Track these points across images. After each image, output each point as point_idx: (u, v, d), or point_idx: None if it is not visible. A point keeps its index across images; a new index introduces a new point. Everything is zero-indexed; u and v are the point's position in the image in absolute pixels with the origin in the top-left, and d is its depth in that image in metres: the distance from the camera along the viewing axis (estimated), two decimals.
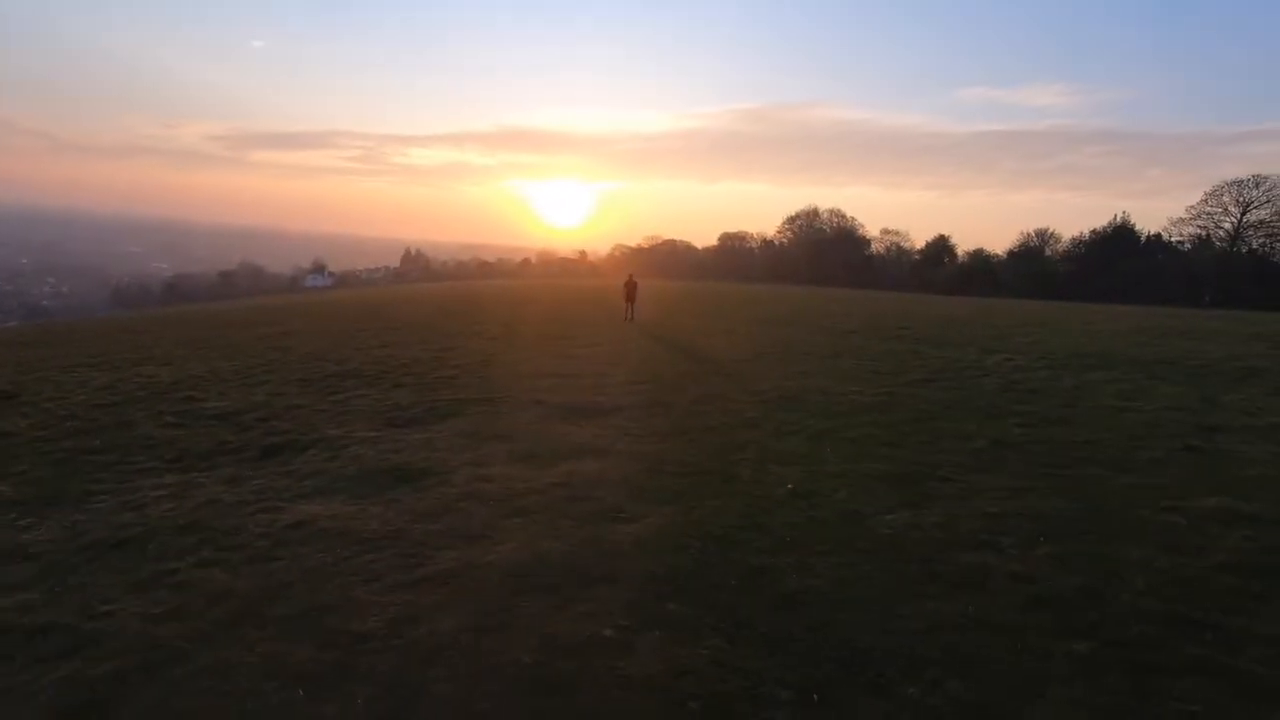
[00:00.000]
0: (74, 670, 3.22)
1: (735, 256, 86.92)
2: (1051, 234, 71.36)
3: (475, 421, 8.14)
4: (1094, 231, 67.64)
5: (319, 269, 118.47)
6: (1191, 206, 64.01)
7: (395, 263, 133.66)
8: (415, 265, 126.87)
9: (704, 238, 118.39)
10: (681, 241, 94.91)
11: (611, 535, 4.64)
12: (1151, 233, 66.09)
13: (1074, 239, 69.33)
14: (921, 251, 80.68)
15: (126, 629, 3.55)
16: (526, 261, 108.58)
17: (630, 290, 23.36)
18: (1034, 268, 67.65)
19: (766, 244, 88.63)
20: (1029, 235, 71.99)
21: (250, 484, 5.82)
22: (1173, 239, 65.03)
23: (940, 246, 79.71)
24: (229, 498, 5.46)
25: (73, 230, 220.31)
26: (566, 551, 4.40)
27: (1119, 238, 65.46)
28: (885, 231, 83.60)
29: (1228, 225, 62.29)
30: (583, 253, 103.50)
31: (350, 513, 5.09)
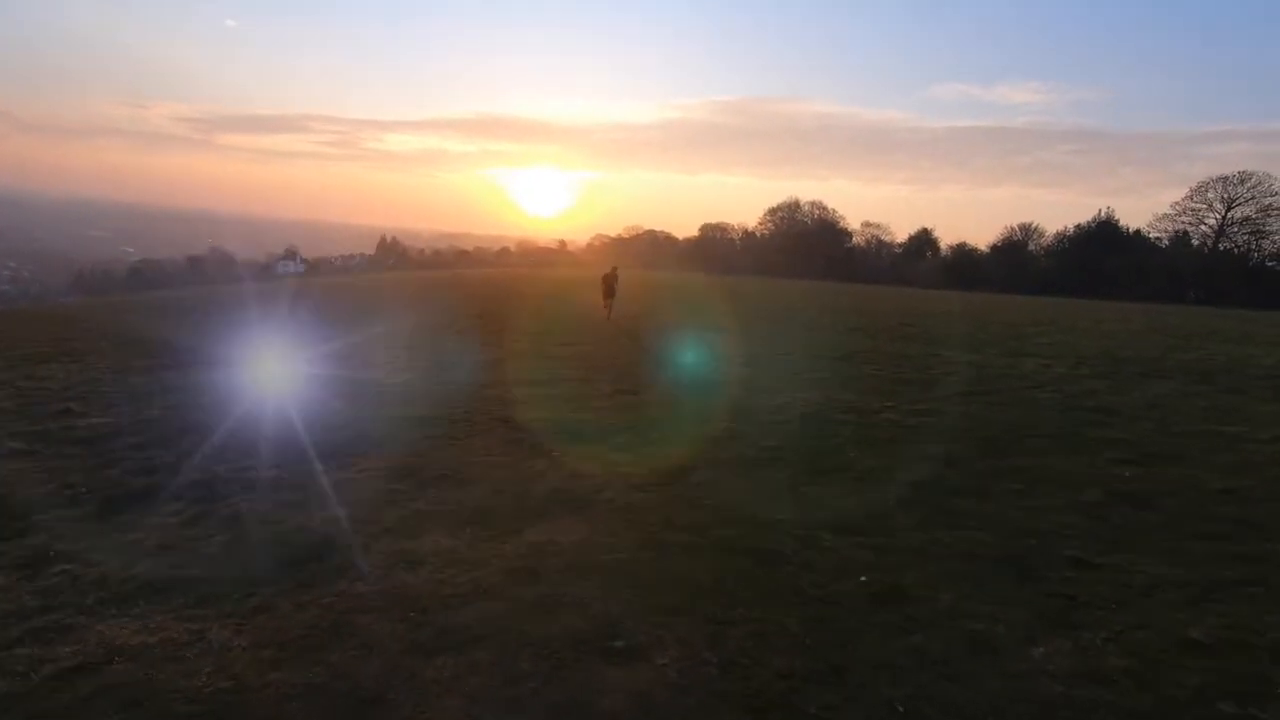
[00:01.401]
0: None
1: (716, 247, 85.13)
2: (1035, 228, 70.71)
3: (416, 452, 6.21)
4: (1078, 227, 67.07)
5: (291, 256, 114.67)
6: (1176, 202, 63.72)
7: (371, 250, 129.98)
8: (391, 253, 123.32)
9: (685, 229, 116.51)
10: (662, 232, 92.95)
11: (600, 702, 2.78)
12: (1132, 229, 65.60)
13: (1058, 234, 68.75)
14: (903, 245, 79.71)
15: None
16: (505, 251, 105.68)
17: (610, 284, 19.32)
18: (1019, 262, 66.93)
19: (748, 235, 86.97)
20: (1012, 230, 71.26)
21: (50, 572, 3.85)
22: (1153, 236, 64.63)
23: (923, 240, 78.85)
24: (2, 603, 3.51)
25: (34, 214, 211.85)
26: None
27: (1103, 234, 64.85)
28: (866, 224, 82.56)
29: (1211, 221, 62.01)
30: (562, 242, 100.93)
31: (178, 641, 3.16)
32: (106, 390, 9.06)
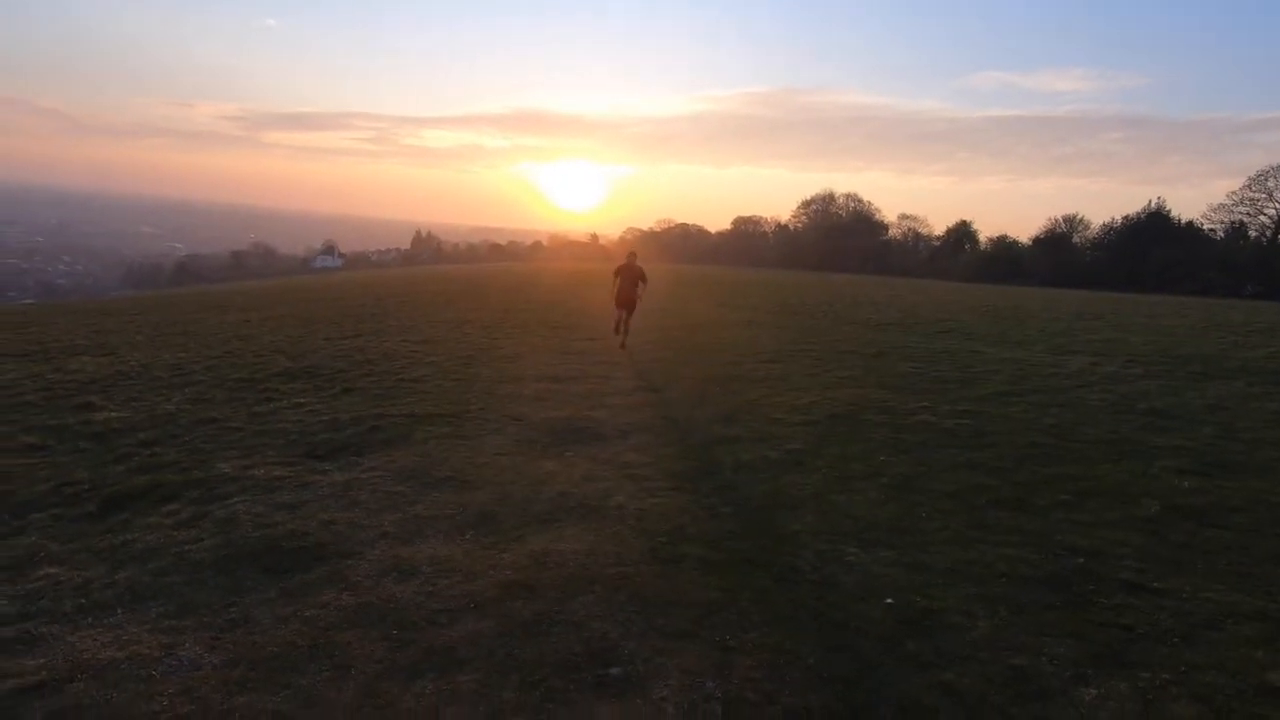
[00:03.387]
0: None
1: (749, 241, 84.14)
2: (1080, 220, 68.23)
3: (424, 452, 6.01)
4: (1126, 218, 64.47)
5: (329, 250, 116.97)
6: (1233, 192, 60.79)
7: (406, 244, 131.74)
8: (426, 247, 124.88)
9: (717, 222, 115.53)
10: (694, 225, 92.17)
11: None
12: (1184, 220, 62.75)
13: (1104, 225, 66.23)
14: (941, 238, 77.70)
15: None
16: (537, 244, 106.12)
17: (628, 285, 12.17)
18: (1063, 255, 64.68)
19: (780, 229, 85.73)
20: (1055, 221, 68.84)
21: (35, 575, 3.71)
22: (1207, 227, 61.77)
23: (961, 232, 76.70)
24: None
25: (88, 210, 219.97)
26: None
27: (1153, 225, 62.20)
28: (903, 217, 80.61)
29: (1271, 212, 59.03)
30: (594, 236, 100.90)
31: (147, 657, 2.97)
32: (131, 383, 9.10)
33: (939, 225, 79.20)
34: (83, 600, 3.48)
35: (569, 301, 22.34)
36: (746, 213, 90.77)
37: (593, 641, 3.13)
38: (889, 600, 3.49)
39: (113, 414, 7.37)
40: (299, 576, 3.71)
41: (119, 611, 3.37)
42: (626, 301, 12.31)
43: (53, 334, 14.05)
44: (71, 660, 2.95)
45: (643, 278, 12.37)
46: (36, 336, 13.64)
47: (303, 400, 8.01)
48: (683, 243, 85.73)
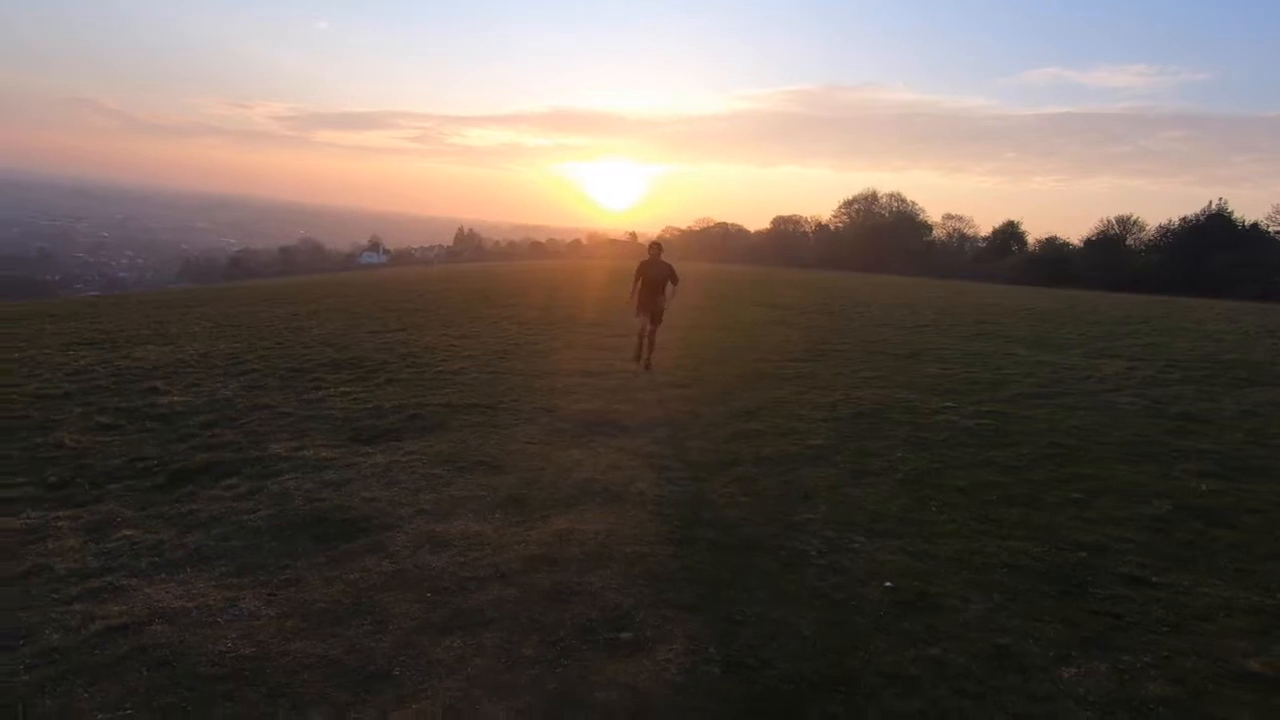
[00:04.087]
0: None
1: (788, 241, 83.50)
2: (1134, 221, 65.98)
3: (460, 439, 6.38)
4: (1184, 219, 62.09)
5: (374, 246, 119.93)
6: None
7: (449, 241, 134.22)
8: (468, 244, 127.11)
9: (756, 221, 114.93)
10: (733, 225, 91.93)
11: (596, 694, 2.77)
12: (1248, 222, 60.07)
13: (1161, 227, 63.90)
14: (987, 239, 75.96)
15: None
16: (576, 242, 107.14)
17: (651, 284, 9.85)
18: (1115, 258, 62.61)
19: (821, 228, 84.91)
20: (1108, 223, 66.69)
21: (115, 536, 4.16)
22: (1274, 230, 59.01)
23: (1008, 233, 74.81)
24: (66, 564, 3.81)
25: (150, 206, 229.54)
26: None
27: (1214, 227, 59.74)
28: (948, 217, 79.06)
29: None
30: (633, 234, 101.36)
31: (213, 607, 3.35)
32: (191, 371, 9.71)
33: (985, 225, 77.53)
34: (156, 559, 3.90)
35: (605, 299, 22.70)
36: (786, 212, 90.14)
37: (607, 609, 3.41)
38: (888, 584, 3.69)
39: (175, 398, 7.93)
40: (344, 545, 4.08)
41: (187, 569, 3.78)
42: (650, 308, 9.78)
43: (119, 324, 14.93)
44: (149, 608, 3.35)
45: (671, 277, 9.89)
46: (104, 326, 14.52)
47: (348, 389, 8.48)
48: (721, 242, 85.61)
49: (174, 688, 2.76)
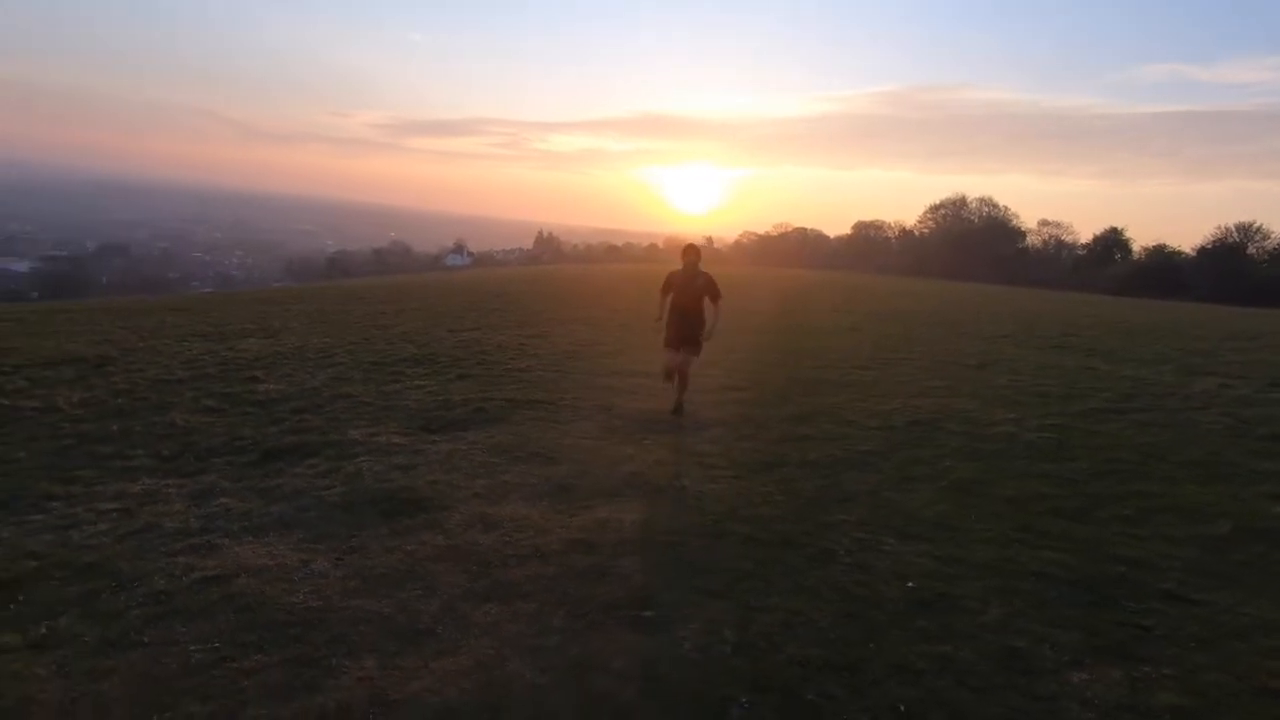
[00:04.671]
0: None
1: (869, 246, 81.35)
2: (1258, 229, 60.63)
3: (520, 431, 6.77)
4: None
5: (459, 249, 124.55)
6: None
7: (529, 244, 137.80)
8: (547, 247, 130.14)
9: (836, 226, 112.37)
10: (813, 230, 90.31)
11: (616, 663, 3.02)
12: None
13: None
14: (1087, 246, 71.55)
15: None
16: (653, 247, 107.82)
17: (685, 305, 7.56)
18: (1234, 267, 57.74)
19: (905, 234, 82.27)
20: (1227, 230, 61.56)
21: (214, 503, 4.74)
22: None
23: (1111, 240, 70.20)
24: (173, 523, 4.39)
25: (257, 209, 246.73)
26: (534, 693, 2.82)
27: None
28: (1044, 223, 74.99)
29: None
30: (709, 239, 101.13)
31: (289, 567, 3.82)
32: (287, 362, 10.60)
33: (1085, 232, 73.07)
34: (246, 524, 4.43)
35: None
36: (868, 217, 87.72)
37: (634, 590, 3.66)
38: (910, 584, 3.78)
39: (272, 386, 8.73)
40: (405, 521, 4.50)
41: (271, 534, 4.29)
42: (684, 336, 7.50)
43: (227, 318, 16.33)
44: (237, 564, 3.85)
45: (711, 292, 7.44)
46: (214, 320, 15.92)
47: (423, 383, 9.08)
48: (800, 247, 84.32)
49: (253, 629, 3.21)
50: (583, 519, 4.63)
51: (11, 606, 3.38)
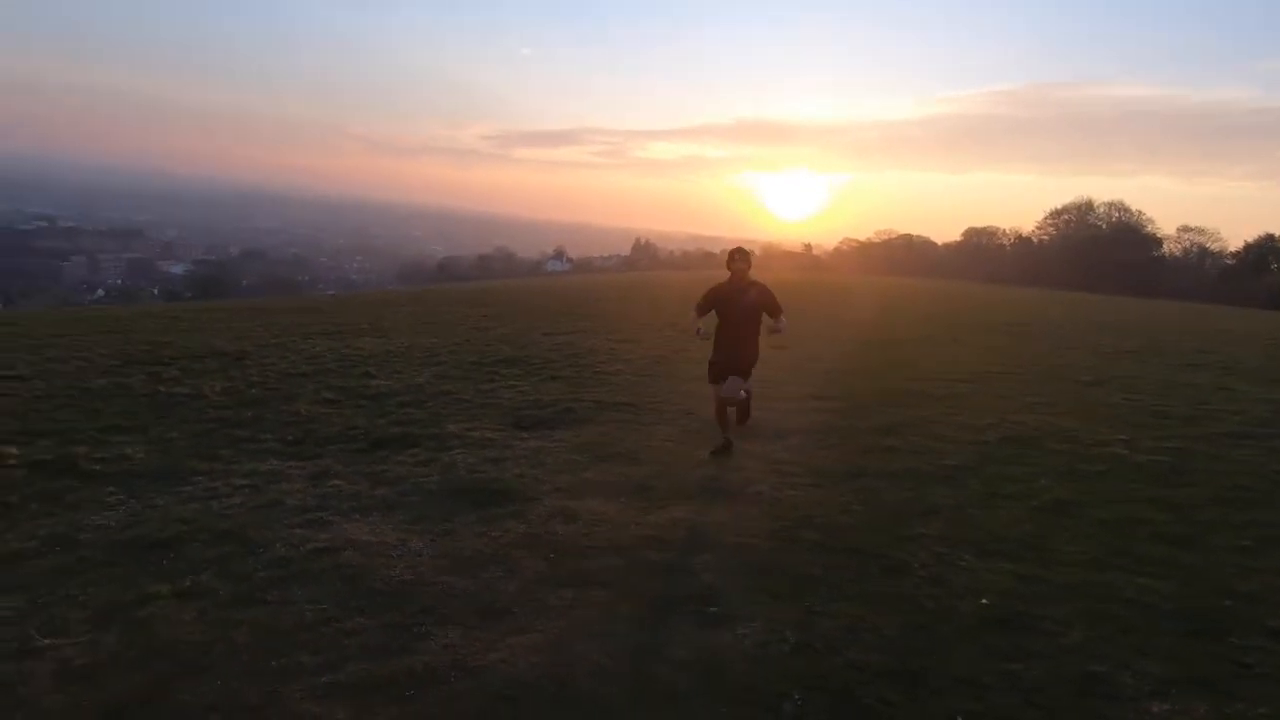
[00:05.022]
0: None
1: (981, 254, 77.00)
2: None
3: (604, 432, 7.04)
4: None
5: (559, 255, 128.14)
6: None
7: (627, 251, 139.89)
8: (644, 254, 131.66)
9: (945, 233, 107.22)
10: (919, 236, 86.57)
11: (677, 653, 3.17)
12: None
13: None
14: (1237, 254, 64.58)
15: None
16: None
17: (738, 323, 6.16)
18: None
19: (1021, 241, 77.35)
20: None
21: (328, 484, 5.27)
22: None
23: (1265, 248, 63.04)
24: (294, 500, 4.92)
25: (376, 217, 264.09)
26: (597, 673, 3.02)
27: None
28: (1184, 230, 68.41)
29: None
30: (807, 246, 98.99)
31: (389, 544, 4.22)
32: (397, 360, 11.43)
33: (1235, 239, 66.05)
34: (354, 504, 4.91)
35: None
36: (981, 223, 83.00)
37: (701, 587, 3.79)
38: (984, 600, 3.70)
39: (382, 382, 9.46)
40: (492, 510, 4.84)
41: (375, 514, 4.73)
42: (735, 360, 6.24)
43: (347, 319, 17.69)
44: (345, 538, 4.29)
45: (771, 307, 6.23)
46: (336, 320, 17.29)
47: (516, 383, 9.56)
48: (904, 255, 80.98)
49: (356, 595, 3.60)
50: (658, 517, 4.80)
51: (164, 562, 3.95)
